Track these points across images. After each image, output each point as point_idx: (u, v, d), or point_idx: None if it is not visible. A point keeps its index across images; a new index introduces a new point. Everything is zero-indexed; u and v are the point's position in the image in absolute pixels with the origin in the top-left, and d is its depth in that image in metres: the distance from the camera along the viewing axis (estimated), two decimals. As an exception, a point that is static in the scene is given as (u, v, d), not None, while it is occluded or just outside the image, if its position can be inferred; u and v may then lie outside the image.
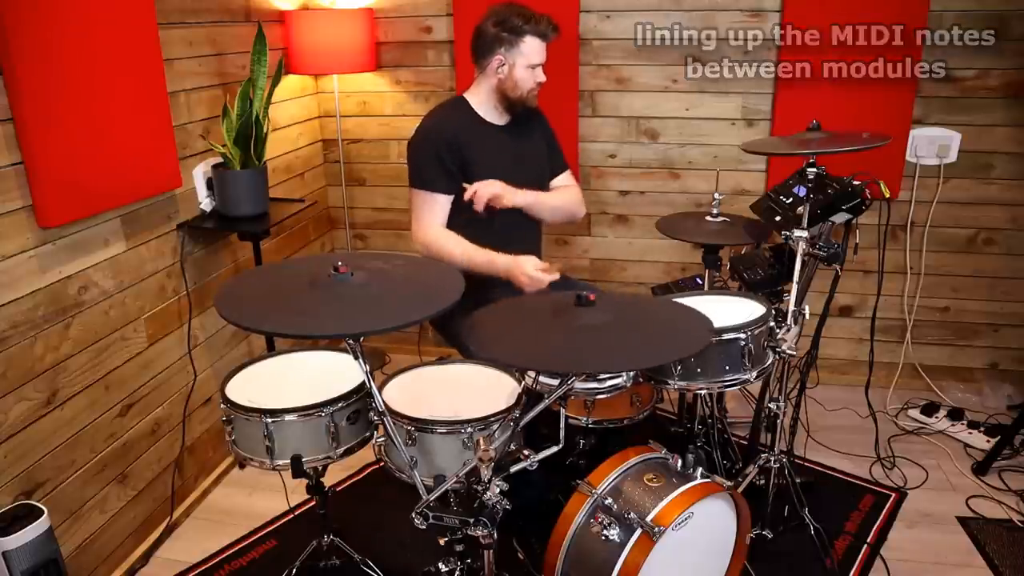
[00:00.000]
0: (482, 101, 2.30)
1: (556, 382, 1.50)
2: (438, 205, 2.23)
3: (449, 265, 2.12)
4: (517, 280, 2.10)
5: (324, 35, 2.86)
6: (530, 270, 2.08)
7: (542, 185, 2.50)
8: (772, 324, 1.85)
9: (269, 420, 1.64)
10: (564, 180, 2.53)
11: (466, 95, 2.33)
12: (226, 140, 2.32)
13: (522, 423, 1.48)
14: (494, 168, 2.26)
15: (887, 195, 1.99)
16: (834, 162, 2.08)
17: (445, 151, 2.21)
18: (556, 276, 2.09)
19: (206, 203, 2.43)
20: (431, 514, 1.47)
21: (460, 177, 2.24)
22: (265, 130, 2.39)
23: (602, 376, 1.69)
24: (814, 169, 1.94)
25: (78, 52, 1.84)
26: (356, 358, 1.37)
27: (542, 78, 2.27)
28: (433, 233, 2.23)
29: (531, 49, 2.20)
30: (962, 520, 2.33)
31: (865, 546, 2.20)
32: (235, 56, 2.53)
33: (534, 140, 2.44)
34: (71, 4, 1.81)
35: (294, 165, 3.06)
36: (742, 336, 1.75)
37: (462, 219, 2.25)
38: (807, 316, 1.91)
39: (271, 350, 2.04)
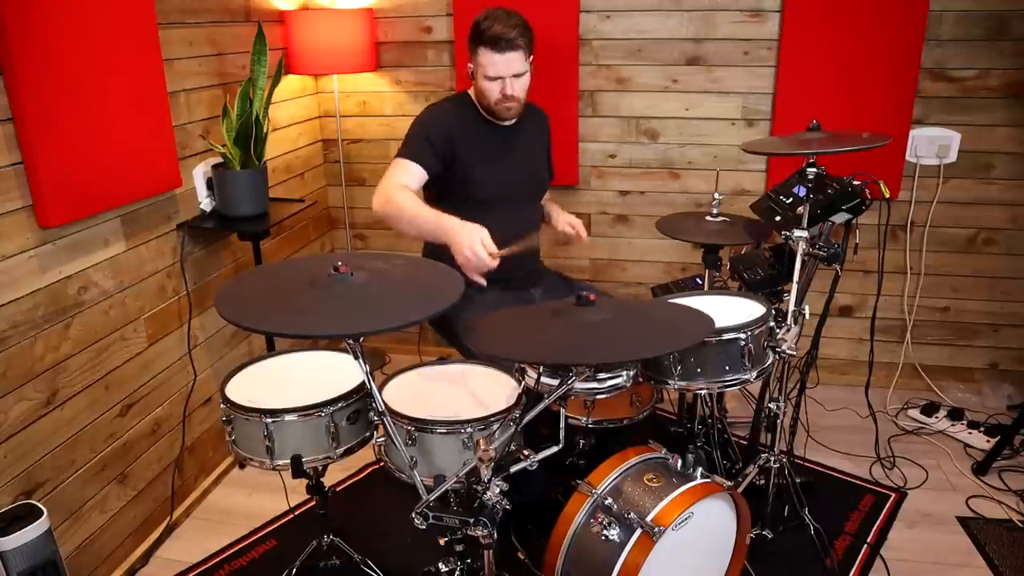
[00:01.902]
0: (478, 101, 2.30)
1: (556, 382, 1.50)
2: (411, 171, 2.14)
3: (399, 226, 2.03)
4: (457, 250, 1.86)
5: (324, 35, 2.86)
6: (477, 244, 1.83)
7: (542, 187, 2.50)
8: (772, 324, 1.85)
9: (269, 420, 1.64)
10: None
11: (470, 91, 2.33)
12: (226, 140, 2.32)
13: (522, 423, 1.48)
14: (487, 166, 2.26)
15: (887, 195, 1.99)
16: (834, 162, 2.08)
17: (437, 137, 2.19)
18: (495, 264, 1.85)
19: (206, 203, 2.43)
20: (431, 514, 1.47)
21: (445, 169, 2.20)
22: (265, 130, 2.39)
23: (602, 376, 1.69)
24: (814, 169, 1.94)
25: (78, 52, 1.84)
26: (356, 358, 1.37)
27: (511, 90, 2.16)
28: (394, 188, 2.06)
29: (485, 60, 2.12)
30: (962, 520, 2.33)
31: (865, 546, 2.21)
32: (235, 56, 2.53)
33: (537, 142, 2.44)
34: (71, 4, 1.81)
35: (294, 165, 3.06)
36: (742, 336, 1.75)
37: (458, 215, 2.25)
38: (807, 316, 1.91)
39: (271, 350, 2.04)
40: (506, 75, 2.14)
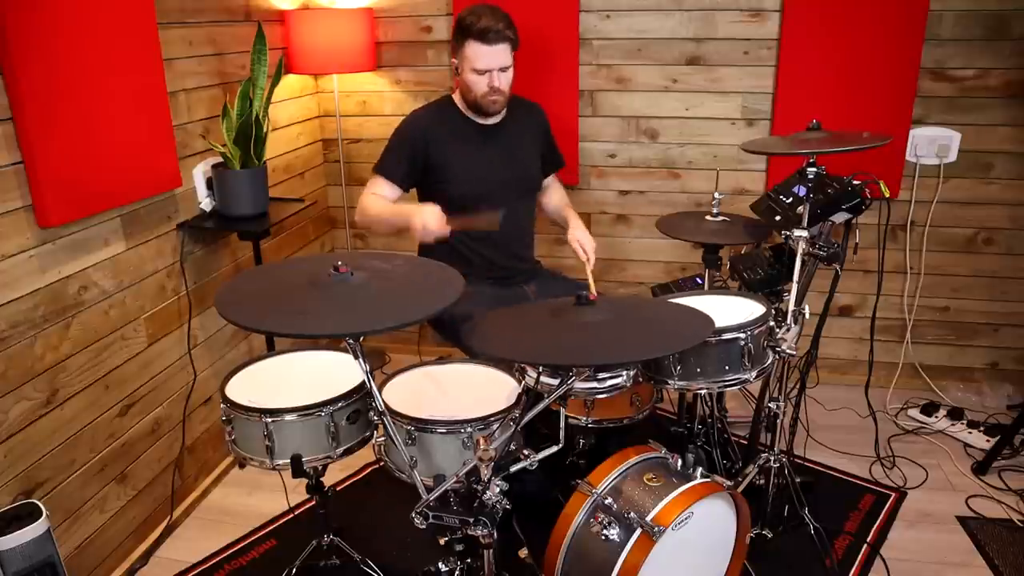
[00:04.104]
0: (462, 100, 2.33)
1: (556, 382, 1.50)
2: (384, 188, 2.30)
3: (378, 230, 2.30)
4: (413, 227, 2.08)
5: (324, 35, 2.86)
6: (428, 218, 2.04)
7: (530, 185, 2.50)
8: (772, 324, 1.85)
9: (269, 420, 1.64)
10: (550, 180, 2.59)
11: (453, 94, 2.36)
12: (226, 140, 2.32)
13: (522, 423, 1.48)
14: (464, 166, 2.30)
15: (887, 195, 1.99)
16: (834, 162, 2.08)
17: (410, 146, 2.28)
18: (447, 230, 2.07)
19: (206, 203, 2.43)
20: (431, 514, 1.47)
21: (422, 174, 2.30)
22: (265, 130, 2.39)
23: (602, 376, 1.69)
24: (814, 169, 1.94)
25: (78, 52, 1.84)
26: (356, 358, 1.37)
27: (498, 83, 2.20)
28: (366, 198, 2.29)
29: (473, 53, 2.17)
30: (962, 520, 2.33)
31: (865, 546, 2.21)
32: (235, 56, 2.53)
33: (524, 140, 2.44)
34: (71, 4, 1.81)
35: (294, 165, 3.06)
36: (742, 336, 1.75)
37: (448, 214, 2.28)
38: (807, 316, 1.91)
39: (271, 350, 2.04)
40: (494, 67, 2.18)
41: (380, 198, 2.28)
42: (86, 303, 1.98)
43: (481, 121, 2.33)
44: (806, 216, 1.89)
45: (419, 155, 2.28)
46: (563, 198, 2.61)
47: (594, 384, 1.70)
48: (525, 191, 2.49)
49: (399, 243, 3.36)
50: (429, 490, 1.49)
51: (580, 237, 2.37)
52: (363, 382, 1.71)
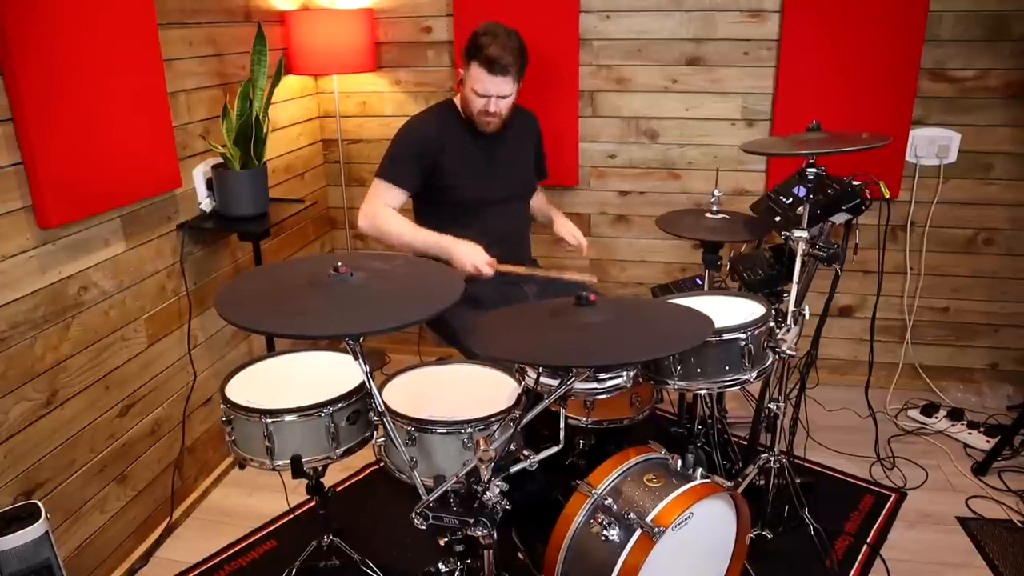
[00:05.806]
0: (462, 107, 2.35)
1: (556, 382, 1.50)
2: (395, 195, 2.30)
3: (390, 244, 2.28)
4: (460, 265, 2.16)
5: (324, 35, 2.86)
6: (479, 260, 2.16)
7: (528, 189, 2.53)
8: (772, 324, 1.85)
9: (269, 420, 1.64)
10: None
11: (454, 98, 2.37)
12: (226, 140, 2.32)
13: (522, 423, 1.48)
14: (468, 171, 2.31)
15: (887, 195, 1.99)
16: (834, 162, 2.08)
17: (418, 152, 2.29)
18: (491, 273, 2.18)
19: (206, 203, 2.43)
20: (431, 514, 1.47)
21: (429, 179, 2.30)
22: (265, 130, 2.39)
23: (602, 376, 1.69)
24: (814, 169, 1.95)
25: (78, 52, 1.84)
26: (356, 358, 1.37)
27: (494, 108, 2.24)
28: (383, 210, 2.29)
29: (476, 76, 2.20)
30: (962, 520, 2.33)
31: (865, 546, 2.21)
32: (235, 56, 2.53)
33: (522, 145, 2.46)
34: (71, 4, 1.81)
35: (294, 165, 3.06)
36: (742, 336, 1.75)
37: (452, 220, 2.29)
38: (807, 316, 1.91)
39: (271, 350, 2.04)
40: (493, 95, 2.22)
41: (399, 216, 2.28)
42: (86, 303, 1.98)
43: (479, 126, 2.34)
44: (806, 217, 1.89)
45: (429, 160, 2.28)
46: (544, 197, 2.69)
47: (594, 384, 1.70)
48: (523, 195, 2.52)
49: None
50: (429, 491, 1.49)
51: (572, 229, 2.54)
52: (363, 383, 1.71)
